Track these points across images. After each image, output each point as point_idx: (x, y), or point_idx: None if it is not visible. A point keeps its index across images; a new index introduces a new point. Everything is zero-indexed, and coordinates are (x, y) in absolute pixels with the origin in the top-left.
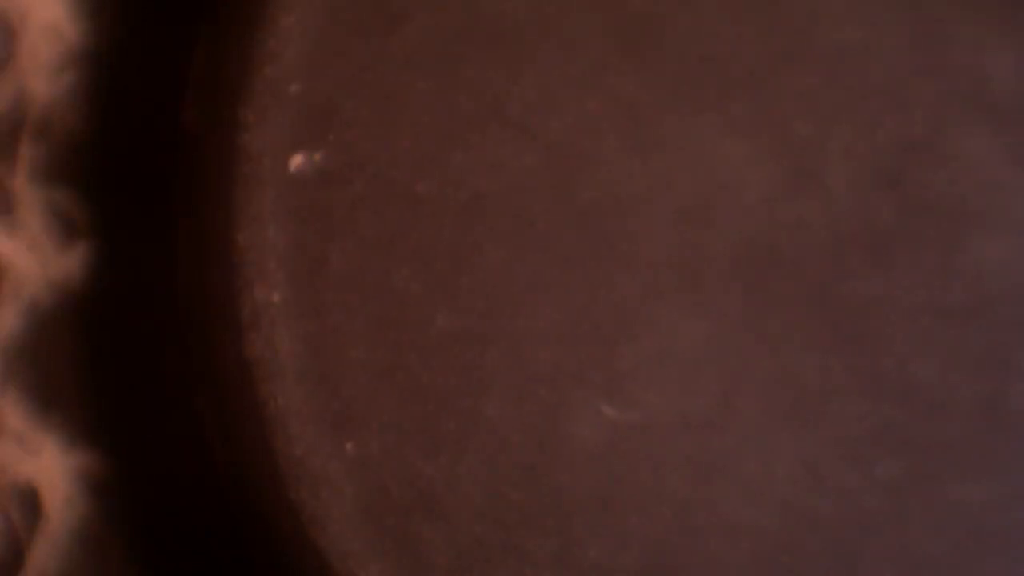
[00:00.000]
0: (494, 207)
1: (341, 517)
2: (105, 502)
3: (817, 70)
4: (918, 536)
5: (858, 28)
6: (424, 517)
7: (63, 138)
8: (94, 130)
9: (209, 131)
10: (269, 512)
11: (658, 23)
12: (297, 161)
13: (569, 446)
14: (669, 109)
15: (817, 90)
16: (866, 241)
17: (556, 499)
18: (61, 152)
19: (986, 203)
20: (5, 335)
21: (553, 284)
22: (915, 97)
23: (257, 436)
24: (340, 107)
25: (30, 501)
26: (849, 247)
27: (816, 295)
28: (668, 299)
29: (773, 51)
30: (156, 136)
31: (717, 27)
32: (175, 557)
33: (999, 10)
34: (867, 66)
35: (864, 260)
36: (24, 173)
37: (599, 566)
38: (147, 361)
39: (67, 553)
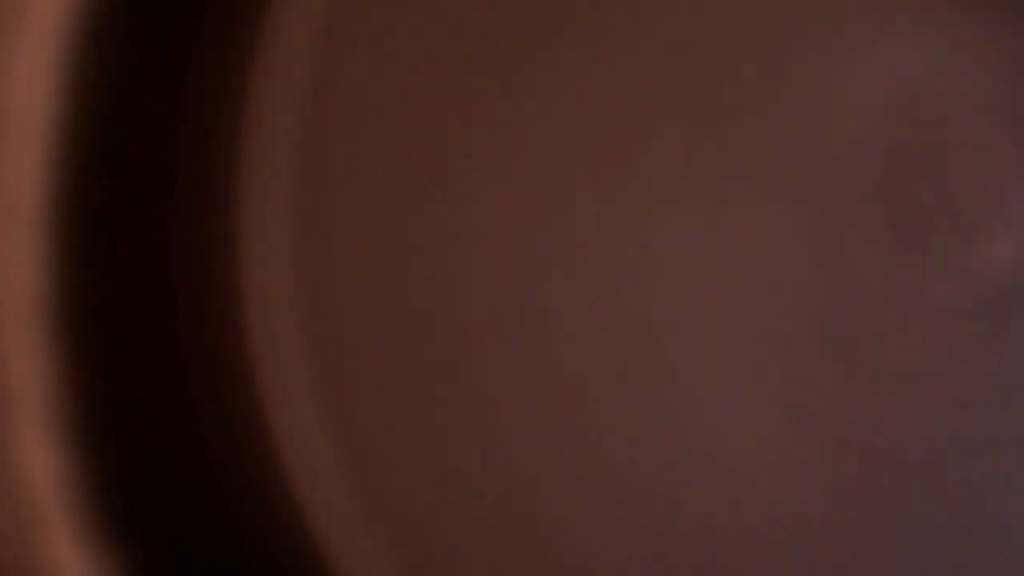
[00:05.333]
0: (510, 329)
1: (341, 517)
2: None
3: (813, 74)
4: (928, 532)
5: (857, 29)
6: (425, 516)
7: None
8: (92, 132)
9: (209, 133)
10: (269, 512)
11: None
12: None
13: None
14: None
15: (814, 95)
16: (872, 246)
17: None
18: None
19: (994, 200)
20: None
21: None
22: (916, 97)
23: (257, 439)
24: (342, 107)
25: None
26: (854, 253)
27: (824, 301)
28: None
29: (770, 60)
30: (156, 135)
31: (705, 36)
32: (173, 558)
33: (1000, 7)
34: (865, 68)
35: (870, 266)
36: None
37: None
38: (145, 365)
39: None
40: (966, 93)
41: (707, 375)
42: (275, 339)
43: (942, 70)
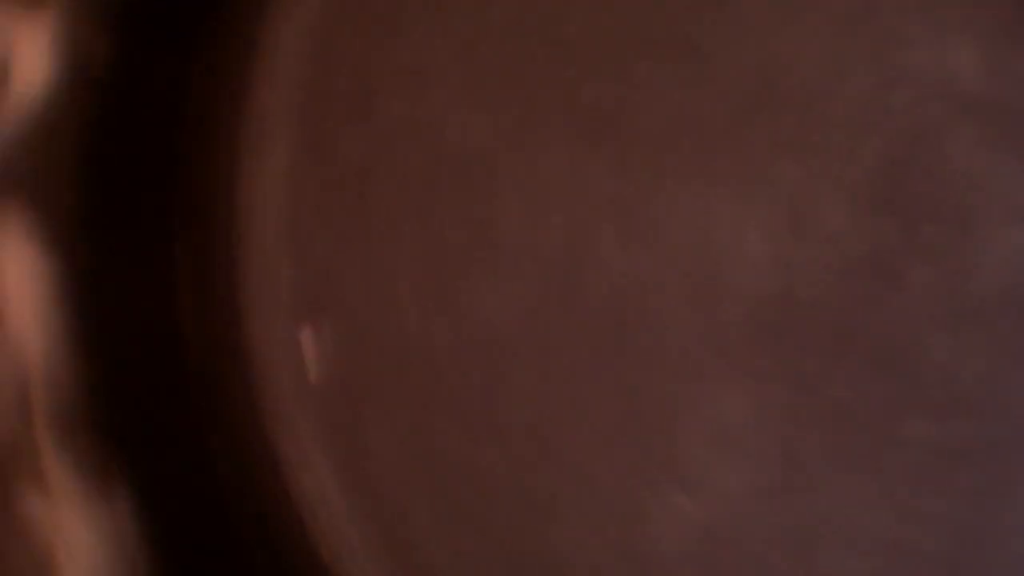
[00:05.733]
0: (508, 336)
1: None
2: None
3: (788, 109)
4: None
5: (817, 57)
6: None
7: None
8: (91, 134)
9: (208, 151)
10: (270, 514)
11: (616, 108)
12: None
13: (658, 548)
14: (653, 189)
15: (792, 129)
16: (877, 265)
17: None
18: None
19: (983, 198)
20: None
21: (590, 394)
22: (889, 111)
23: (259, 444)
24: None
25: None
26: (861, 275)
27: (841, 328)
28: (705, 375)
29: (740, 102)
30: (155, 138)
31: (674, 93)
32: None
33: (954, 6)
34: (836, 92)
35: (878, 284)
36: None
37: None
38: (145, 363)
39: None
40: (966, 94)
41: (762, 439)
42: (275, 341)
43: (907, 79)
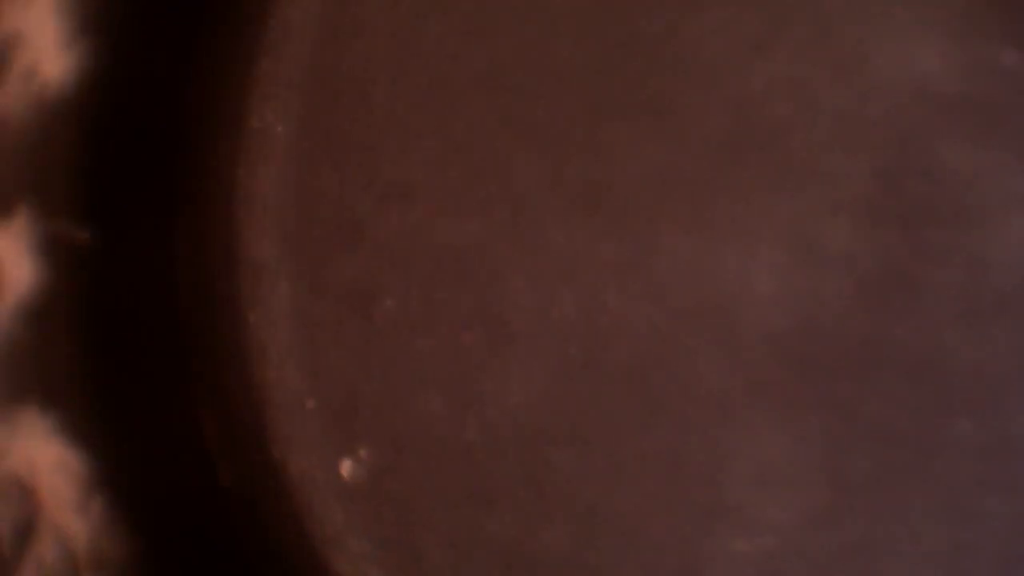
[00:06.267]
0: (540, 419)
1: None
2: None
3: (768, 144)
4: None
5: (784, 88)
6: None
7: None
8: (94, 132)
9: (211, 131)
10: (268, 513)
11: (601, 177)
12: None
13: None
14: (653, 247)
15: (777, 162)
16: (889, 277)
17: None
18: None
19: (980, 192)
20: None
21: (631, 457)
22: (868, 125)
23: (257, 440)
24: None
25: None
26: (876, 289)
27: (866, 346)
28: (740, 417)
29: (719, 146)
30: (157, 132)
31: (654, 149)
32: (172, 552)
33: (907, 8)
34: (812, 118)
35: (895, 295)
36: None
37: None
38: (145, 362)
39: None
40: (941, 95)
41: (802, 471)
42: (274, 338)
43: (912, 77)
